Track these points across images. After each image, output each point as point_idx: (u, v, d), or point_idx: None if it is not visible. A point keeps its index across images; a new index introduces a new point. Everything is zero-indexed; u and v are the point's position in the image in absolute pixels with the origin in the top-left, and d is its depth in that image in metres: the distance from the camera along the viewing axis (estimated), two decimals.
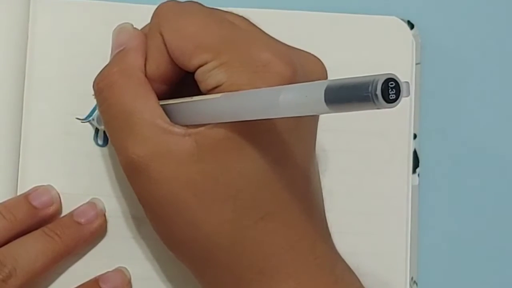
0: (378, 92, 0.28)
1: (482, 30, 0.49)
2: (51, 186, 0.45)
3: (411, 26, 0.48)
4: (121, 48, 0.40)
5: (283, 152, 0.38)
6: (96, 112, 0.45)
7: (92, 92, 0.46)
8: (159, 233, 0.40)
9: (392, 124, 0.47)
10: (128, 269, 0.45)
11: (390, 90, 0.29)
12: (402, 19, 0.48)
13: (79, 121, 0.46)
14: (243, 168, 0.37)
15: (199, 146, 0.37)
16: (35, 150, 0.46)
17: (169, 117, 0.38)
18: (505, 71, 0.49)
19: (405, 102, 0.47)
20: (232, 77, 0.36)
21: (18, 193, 0.45)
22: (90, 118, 0.46)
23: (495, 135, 0.48)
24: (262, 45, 0.38)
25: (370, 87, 0.28)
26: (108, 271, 0.45)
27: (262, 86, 0.35)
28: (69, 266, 0.45)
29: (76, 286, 0.44)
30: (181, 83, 0.40)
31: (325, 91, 0.29)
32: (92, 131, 0.46)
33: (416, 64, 0.47)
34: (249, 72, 0.37)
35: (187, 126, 0.37)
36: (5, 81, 0.46)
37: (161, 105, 0.38)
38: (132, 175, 0.39)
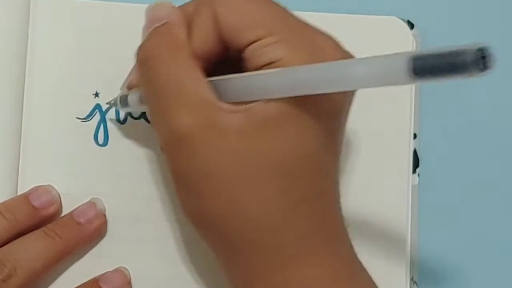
0: (477, 60, 0.30)
1: (482, 30, 0.49)
2: (52, 186, 0.45)
3: (411, 26, 0.48)
4: (162, 22, 0.40)
5: (327, 137, 0.38)
6: (120, 93, 0.44)
7: (92, 92, 0.47)
8: (191, 209, 0.39)
9: (392, 124, 0.47)
10: (128, 269, 0.45)
11: (482, 59, 0.31)
12: (402, 19, 0.48)
13: (79, 121, 0.46)
14: (292, 148, 0.37)
15: (249, 123, 0.36)
16: (35, 150, 0.46)
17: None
18: (505, 71, 0.49)
19: (405, 102, 0.47)
20: (291, 54, 0.36)
21: (18, 193, 0.45)
22: (111, 101, 0.45)
23: (495, 135, 0.48)
24: (316, 29, 0.38)
25: (467, 56, 0.30)
26: (108, 271, 0.45)
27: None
28: (69, 266, 0.45)
29: (76, 286, 0.44)
30: (215, 64, 0.40)
31: (413, 60, 0.30)
32: (92, 131, 0.46)
33: None
34: (309, 52, 0.37)
35: (233, 104, 0.37)
36: (5, 81, 0.46)
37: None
38: (175, 146, 0.38)
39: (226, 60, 0.39)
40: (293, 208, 0.37)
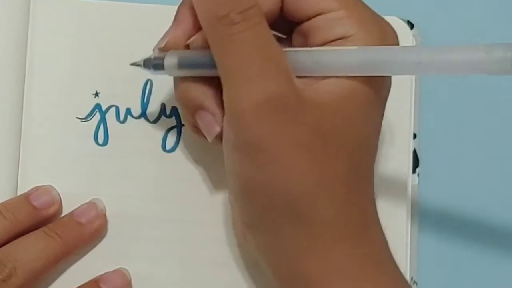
0: None
1: (482, 30, 0.49)
2: (52, 186, 0.45)
3: (411, 26, 0.48)
4: None
5: (380, 121, 0.39)
6: (152, 54, 0.41)
7: (92, 92, 0.47)
8: (258, 182, 0.38)
9: (392, 124, 0.47)
10: (128, 269, 0.45)
11: None
12: (402, 19, 0.48)
13: (79, 121, 0.46)
14: (358, 129, 0.37)
15: (326, 99, 0.37)
16: (35, 150, 0.46)
17: None
18: None
19: (405, 102, 0.47)
20: (362, 32, 0.37)
21: (18, 193, 0.45)
22: (139, 62, 0.42)
23: (495, 135, 0.48)
24: (377, 14, 0.39)
25: None
26: (109, 272, 0.45)
27: (384, 41, 0.37)
28: (69, 266, 0.45)
29: (76, 286, 0.44)
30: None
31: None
32: (92, 131, 0.46)
33: None
34: (378, 33, 0.37)
35: (305, 79, 0.37)
36: (5, 81, 0.46)
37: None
38: (258, 115, 0.36)
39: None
40: (356, 185, 0.38)
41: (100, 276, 0.44)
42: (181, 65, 0.40)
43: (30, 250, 0.43)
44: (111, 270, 0.45)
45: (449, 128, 0.48)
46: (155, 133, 0.46)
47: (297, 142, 0.37)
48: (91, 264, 0.45)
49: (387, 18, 0.47)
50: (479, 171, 0.48)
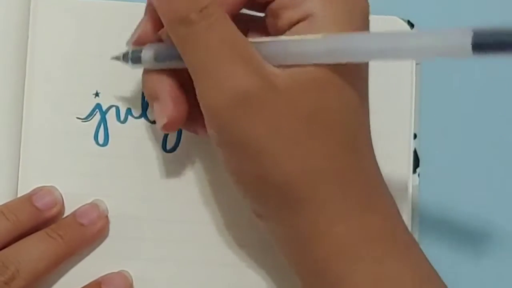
0: None
1: None
2: (54, 187, 0.45)
3: (411, 26, 0.48)
4: None
5: (363, 91, 0.39)
6: (128, 48, 0.42)
7: (93, 92, 0.47)
8: (248, 174, 0.38)
9: (392, 124, 0.47)
10: (130, 269, 0.45)
11: None
12: (402, 19, 0.48)
13: (79, 121, 0.46)
14: (340, 104, 0.37)
15: (299, 84, 0.37)
16: (35, 150, 0.46)
17: None
18: (505, 71, 0.49)
19: (405, 102, 0.47)
20: (327, 8, 0.37)
21: (19, 193, 0.45)
22: (119, 55, 0.43)
23: (495, 135, 0.48)
24: None
25: None
26: (110, 273, 0.45)
27: (355, 20, 0.37)
28: (70, 267, 0.45)
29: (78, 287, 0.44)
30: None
31: (473, 37, 0.32)
32: (93, 131, 0.46)
33: (416, 64, 0.47)
34: (345, 4, 0.37)
35: (280, 66, 0.37)
36: (5, 81, 0.46)
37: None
38: (235, 109, 0.37)
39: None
40: (346, 160, 0.38)
41: (102, 277, 0.44)
42: (157, 58, 0.41)
43: (33, 252, 0.43)
44: (111, 270, 0.45)
45: (449, 128, 0.48)
46: (155, 133, 0.46)
47: (278, 130, 0.37)
48: (92, 265, 0.45)
49: (388, 18, 0.48)
50: (479, 171, 0.48)
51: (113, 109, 0.46)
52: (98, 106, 0.46)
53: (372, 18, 0.48)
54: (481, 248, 0.47)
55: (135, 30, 0.42)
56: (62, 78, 0.46)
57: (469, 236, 0.47)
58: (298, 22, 0.37)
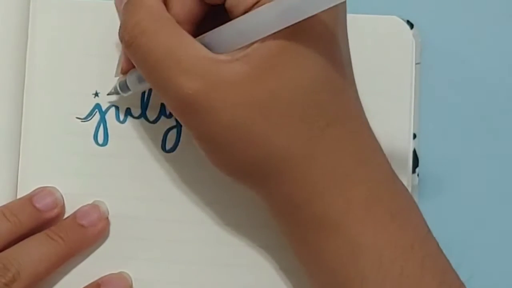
0: None
1: (482, 30, 0.49)
2: (55, 188, 0.45)
3: (411, 26, 0.48)
4: None
5: (334, 54, 0.38)
6: (118, 79, 0.45)
7: (92, 92, 0.47)
8: (222, 163, 0.40)
9: (392, 124, 0.47)
10: (128, 269, 0.45)
11: None
12: (402, 19, 0.48)
13: (79, 121, 0.46)
14: (302, 77, 0.37)
15: (252, 67, 0.37)
16: (35, 150, 0.46)
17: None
18: (505, 71, 0.49)
19: (405, 102, 0.47)
20: None
21: (18, 193, 0.45)
22: (111, 91, 0.45)
23: (495, 135, 0.48)
24: None
25: None
26: (110, 274, 0.45)
27: None
28: (71, 268, 0.45)
29: None
30: (202, 25, 0.40)
31: None
32: (92, 131, 0.46)
33: (416, 64, 0.47)
34: None
35: (230, 53, 0.37)
36: (5, 81, 0.46)
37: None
38: (190, 111, 0.38)
39: (212, 20, 0.39)
40: (320, 136, 0.38)
41: (101, 279, 0.44)
42: (140, 79, 0.42)
43: (33, 254, 0.43)
44: (111, 270, 0.45)
45: (449, 128, 0.48)
46: (155, 133, 0.46)
47: (232, 122, 0.37)
48: (92, 265, 0.45)
49: (387, 17, 0.48)
50: (479, 171, 0.48)
51: (113, 109, 0.46)
52: (98, 106, 0.46)
53: (372, 18, 0.48)
54: (481, 248, 0.47)
55: (118, 61, 0.44)
56: (62, 78, 0.46)
57: (469, 236, 0.47)
58: (250, 8, 0.37)
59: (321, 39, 0.37)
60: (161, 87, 0.38)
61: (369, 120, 0.45)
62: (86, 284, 0.45)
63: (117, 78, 0.45)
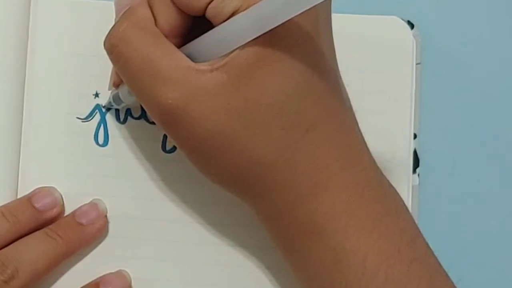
0: None
1: (482, 30, 0.49)
2: (54, 188, 0.45)
3: (411, 26, 0.48)
4: (126, 8, 0.40)
5: (313, 59, 0.38)
6: (111, 92, 0.45)
7: (92, 92, 0.47)
8: (207, 171, 0.40)
9: (392, 124, 0.47)
10: (129, 269, 0.45)
11: None
12: (402, 19, 0.48)
13: (79, 121, 0.46)
14: (280, 84, 0.37)
15: (230, 76, 0.37)
16: (35, 150, 0.46)
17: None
18: (505, 71, 0.49)
19: (405, 102, 0.47)
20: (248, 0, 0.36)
21: (19, 193, 0.45)
22: (106, 103, 0.46)
23: (495, 135, 0.48)
24: None
25: None
26: (109, 273, 0.45)
27: None
28: (70, 267, 0.45)
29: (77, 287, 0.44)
30: (190, 35, 0.39)
31: None
32: (92, 131, 0.46)
33: (416, 64, 0.47)
34: None
35: (210, 62, 0.37)
36: (5, 81, 0.46)
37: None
38: (171, 120, 0.38)
39: (199, 31, 0.39)
40: (300, 141, 0.38)
41: (101, 278, 0.45)
42: (130, 92, 0.42)
43: (32, 252, 0.43)
44: (111, 270, 0.45)
45: (449, 128, 0.48)
46: (155, 133, 0.46)
47: (214, 129, 0.37)
48: (91, 265, 0.45)
49: (388, 18, 0.48)
50: (479, 171, 0.48)
51: (113, 109, 0.46)
52: (98, 106, 0.46)
53: (372, 18, 0.48)
54: (481, 248, 0.47)
55: (110, 77, 0.44)
56: (62, 78, 0.46)
57: (469, 236, 0.47)
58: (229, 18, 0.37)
59: (298, 44, 0.37)
60: (142, 96, 0.39)
61: (369, 120, 0.45)
62: (85, 283, 0.45)
63: (111, 91, 0.45)
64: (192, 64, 0.37)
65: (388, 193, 0.40)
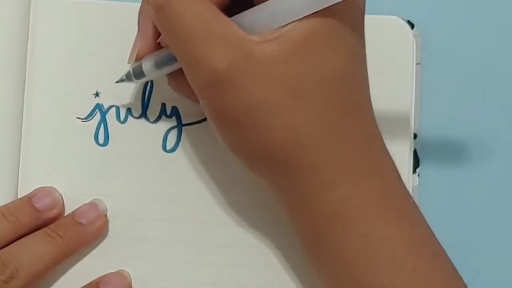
0: None
1: (482, 30, 0.49)
2: (54, 188, 0.45)
3: (411, 26, 0.48)
4: None
5: (360, 44, 0.38)
6: (131, 66, 0.43)
7: (93, 92, 0.47)
8: (240, 146, 0.39)
9: (392, 124, 0.47)
10: (129, 269, 0.45)
11: None
12: (402, 19, 0.48)
13: (79, 121, 0.46)
14: (329, 63, 0.37)
15: (284, 49, 0.36)
16: (35, 150, 0.46)
17: None
18: (505, 71, 0.49)
19: (405, 102, 0.47)
20: None
21: (19, 193, 0.45)
22: (122, 77, 0.44)
23: (495, 135, 0.48)
24: None
25: None
26: (109, 273, 0.45)
27: None
28: (70, 267, 0.45)
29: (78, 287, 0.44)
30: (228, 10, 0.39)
31: None
32: (93, 131, 0.46)
33: (416, 64, 0.47)
34: None
35: (260, 35, 0.37)
36: (6, 81, 0.46)
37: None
38: (217, 85, 0.37)
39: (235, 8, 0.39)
40: (339, 124, 0.38)
41: (101, 278, 0.44)
42: (157, 65, 0.41)
43: (32, 252, 0.43)
44: (111, 270, 0.45)
45: (449, 128, 0.48)
46: (155, 133, 0.46)
47: (261, 100, 0.37)
48: (91, 264, 0.45)
49: (388, 18, 0.48)
50: (479, 171, 0.48)
51: (113, 109, 0.46)
52: (98, 106, 0.46)
53: (372, 18, 0.48)
54: (481, 248, 0.47)
55: (133, 47, 0.43)
56: (62, 78, 0.46)
57: (469, 236, 0.47)
58: None
59: (350, 27, 0.38)
60: (190, 59, 0.38)
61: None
62: (85, 283, 0.45)
63: (130, 65, 0.43)
64: (244, 33, 0.37)
65: (406, 187, 0.40)
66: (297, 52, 0.37)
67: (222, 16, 0.37)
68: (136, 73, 0.43)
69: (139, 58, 0.43)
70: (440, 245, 0.40)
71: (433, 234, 0.40)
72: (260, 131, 0.37)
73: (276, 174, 0.39)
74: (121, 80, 0.44)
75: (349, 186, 0.38)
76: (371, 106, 0.40)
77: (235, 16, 0.38)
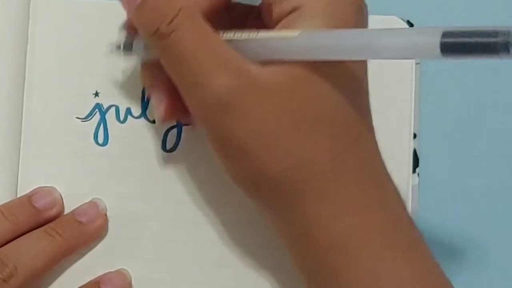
0: (507, 42, 0.29)
1: None
2: (54, 188, 0.45)
3: (411, 26, 0.48)
4: None
5: (361, 76, 0.38)
6: (121, 36, 0.43)
7: (92, 92, 0.47)
8: (245, 174, 0.38)
9: (392, 124, 0.47)
10: (128, 269, 0.45)
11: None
12: (402, 19, 0.48)
13: (79, 120, 0.46)
14: (334, 91, 0.37)
15: (287, 76, 0.36)
16: (35, 150, 0.46)
17: None
18: (505, 71, 0.49)
19: (405, 102, 0.47)
20: (315, 0, 0.36)
21: (19, 193, 0.45)
22: (111, 47, 0.43)
23: (495, 135, 0.48)
24: None
25: (500, 37, 0.29)
26: (109, 272, 0.45)
27: (345, 12, 0.37)
28: (69, 266, 0.45)
29: (77, 287, 0.44)
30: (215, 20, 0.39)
31: (442, 36, 0.31)
32: (92, 131, 0.46)
33: (416, 64, 0.47)
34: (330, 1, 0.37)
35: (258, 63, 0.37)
36: (5, 81, 0.46)
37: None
38: (219, 112, 0.36)
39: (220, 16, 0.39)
40: (345, 151, 0.37)
41: (101, 277, 0.45)
42: (147, 47, 0.41)
43: (31, 250, 0.43)
44: (111, 270, 0.45)
45: (449, 128, 0.48)
46: (155, 133, 0.46)
47: (262, 128, 0.37)
48: (91, 264, 0.45)
49: (387, 17, 0.48)
50: (479, 171, 0.48)
51: (113, 108, 0.46)
52: (98, 106, 0.46)
53: (372, 18, 0.48)
54: (482, 248, 0.47)
55: (127, 17, 0.42)
56: (62, 78, 0.46)
57: (469, 236, 0.47)
58: (288, 14, 0.37)
59: (349, 76, 0.38)
60: (191, 82, 0.37)
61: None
62: (86, 282, 0.45)
63: (120, 32, 0.43)
64: (245, 60, 0.37)
65: (410, 215, 0.40)
66: (301, 80, 0.36)
67: (223, 42, 0.37)
68: (126, 47, 0.42)
69: (131, 29, 0.42)
70: (445, 276, 0.39)
71: (437, 265, 0.39)
72: (264, 159, 0.37)
73: (276, 202, 0.38)
74: (110, 47, 0.43)
75: (354, 218, 0.37)
76: (373, 131, 0.39)
77: (240, 42, 0.38)
